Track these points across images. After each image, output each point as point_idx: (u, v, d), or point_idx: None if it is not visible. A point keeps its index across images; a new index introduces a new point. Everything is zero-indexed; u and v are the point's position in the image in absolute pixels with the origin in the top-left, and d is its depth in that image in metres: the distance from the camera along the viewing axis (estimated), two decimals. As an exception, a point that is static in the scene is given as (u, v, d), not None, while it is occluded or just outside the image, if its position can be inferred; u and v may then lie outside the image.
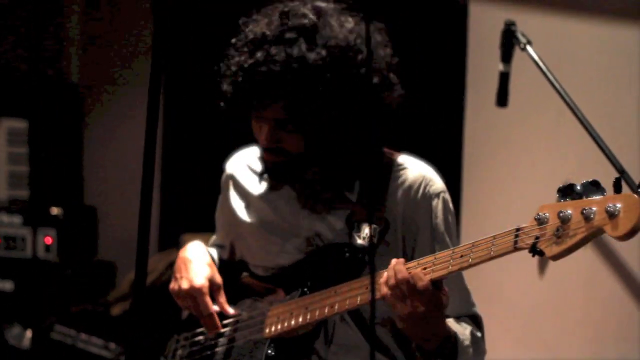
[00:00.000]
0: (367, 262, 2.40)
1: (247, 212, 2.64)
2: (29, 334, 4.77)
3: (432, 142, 3.90)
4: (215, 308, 2.56)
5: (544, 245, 2.02)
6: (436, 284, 2.18)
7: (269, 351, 2.44)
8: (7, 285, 5.06)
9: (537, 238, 2.03)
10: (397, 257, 2.31)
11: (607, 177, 2.97)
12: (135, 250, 1.77)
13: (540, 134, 3.61)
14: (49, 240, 5.07)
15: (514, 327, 3.77)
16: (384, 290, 2.21)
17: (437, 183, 2.49)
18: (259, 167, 2.65)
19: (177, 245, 5.00)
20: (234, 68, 2.45)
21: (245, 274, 2.66)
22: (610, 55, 3.38)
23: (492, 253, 2.10)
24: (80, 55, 5.78)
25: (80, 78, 5.77)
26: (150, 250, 1.83)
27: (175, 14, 4.68)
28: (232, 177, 2.71)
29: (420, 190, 2.46)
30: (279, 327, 2.43)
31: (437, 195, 2.47)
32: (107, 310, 5.03)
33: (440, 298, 2.18)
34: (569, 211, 1.97)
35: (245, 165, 2.69)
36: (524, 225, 2.06)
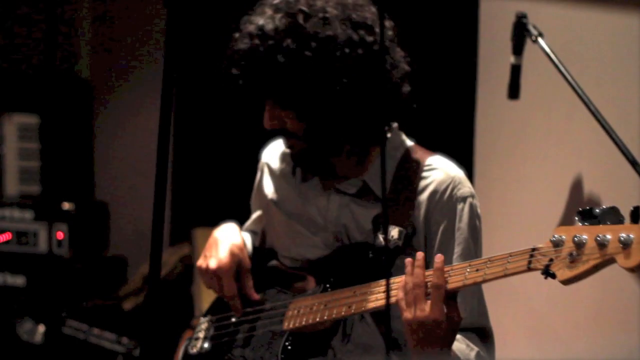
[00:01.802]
0: (389, 264, 2.39)
1: (279, 202, 2.64)
2: (41, 328, 4.77)
3: (443, 134, 3.88)
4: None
5: (556, 268, 2.01)
6: (451, 295, 2.16)
7: (287, 344, 2.43)
8: (19, 281, 5.07)
9: (551, 260, 2.02)
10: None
11: (620, 168, 2.97)
12: (147, 245, 1.76)
13: (552, 126, 3.60)
14: (60, 235, 5.08)
15: (525, 323, 3.76)
16: (400, 294, 2.19)
17: (465, 187, 2.44)
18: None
19: (189, 239, 5.00)
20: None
21: (273, 262, 2.66)
22: (623, 47, 3.36)
23: (505, 271, 2.09)
24: (91, 50, 5.78)
25: (91, 73, 5.78)
26: (162, 245, 1.83)
27: (188, 7, 4.68)
28: (267, 166, 2.71)
29: (447, 193, 2.42)
30: (298, 321, 2.42)
31: (464, 199, 2.42)
32: (119, 305, 5.04)
33: (454, 310, 2.15)
34: (584, 236, 1.96)
35: (280, 156, 2.69)
36: (540, 246, 2.04)
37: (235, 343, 2.58)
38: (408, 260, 2.21)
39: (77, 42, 5.74)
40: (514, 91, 3.40)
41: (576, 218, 2.00)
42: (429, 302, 2.14)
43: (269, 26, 2.37)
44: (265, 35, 2.37)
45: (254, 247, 2.73)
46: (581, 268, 1.96)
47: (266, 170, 2.71)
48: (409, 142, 2.55)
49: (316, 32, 2.35)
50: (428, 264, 2.23)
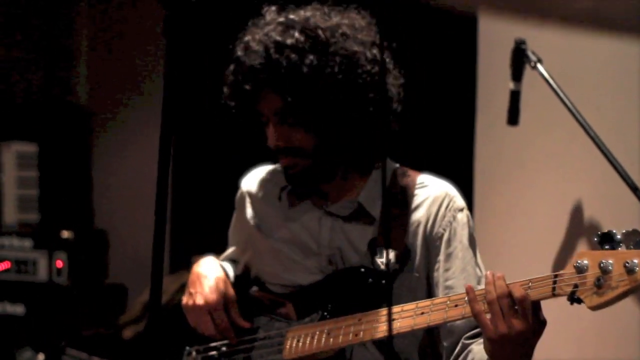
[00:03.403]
0: (389, 288, 2.38)
1: (266, 230, 2.62)
2: (40, 357, 4.75)
3: (442, 160, 3.89)
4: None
5: (583, 295, 1.97)
6: (535, 304, 2.09)
7: None
8: (19, 309, 5.06)
9: (576, 286, 1.98)
10: (422, 280, 2.37)
11: (620, 194, 2.96)
12: (147, 273, 1.76)
13: (551, 152, 3.60)
14: (59, 263, 5.06)
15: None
16: (478, 307, 2.12)
17: (459, 199, 2.49)
18: (277, 184, 2.63)
19: (188, 267, 4.99)
20: (230, 71, 2.49)
21: (256, 288, 2.64)
22: (621, 72, 3.36)
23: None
24: (90, 77, 5.79)
25: (90, 101, 5.78)
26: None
27: (186, 37, 4.69)
28: (249, 194, 2.69)
29: (444, 206, 2.45)
30: (300, 349, 2.40)
31: (461, 210, 2.46)
32: (119, 333, 5.02)
33: (541, 319, 2.10)
34: (610, 261, 1.93)
35: (262, 182, 2.67)
36: (562, 272, 2.01)
37: None
38: (489, 272, 2.14)
39: (75, 70, 5.75)
40: (513, 117, 3.40)
41: (595, 241, 1.97)
42: (519, 314, 2.07)
43: (289, 41, 2.38)
44: (286, 50, 2.38)
45: (236, 276, 2.71)
46: (611, 294, 1.93)
47: (248, 200, 2.69)
48: (395, 164, 2.57)
49: (341, 48, 2.39)
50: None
